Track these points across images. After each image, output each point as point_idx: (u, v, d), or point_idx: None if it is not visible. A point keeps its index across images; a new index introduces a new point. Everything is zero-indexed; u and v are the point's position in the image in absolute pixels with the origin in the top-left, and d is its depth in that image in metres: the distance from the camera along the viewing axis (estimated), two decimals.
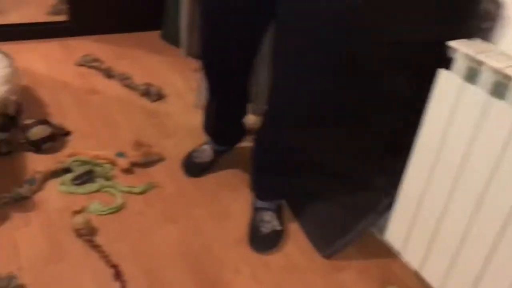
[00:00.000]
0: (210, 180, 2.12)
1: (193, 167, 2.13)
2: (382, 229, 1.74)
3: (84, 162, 2.01)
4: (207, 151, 2.14)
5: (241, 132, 2.09)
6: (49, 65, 2.83)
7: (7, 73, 2.05)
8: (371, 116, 1.67)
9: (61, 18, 3.14)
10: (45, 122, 2.16)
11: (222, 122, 2.04)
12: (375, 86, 1.62)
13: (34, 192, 1.88)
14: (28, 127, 2.10)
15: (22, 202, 1.84)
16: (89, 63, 2.85)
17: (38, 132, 2.08)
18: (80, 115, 2.43)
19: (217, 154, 2.15)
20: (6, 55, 2.21)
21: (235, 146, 2.16)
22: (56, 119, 2.32)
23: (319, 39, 1.39)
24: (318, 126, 1.70)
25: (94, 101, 2.56)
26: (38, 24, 3.09)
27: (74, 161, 2.00)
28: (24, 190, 1.85)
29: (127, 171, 2.07)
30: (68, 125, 2.31)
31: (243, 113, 2.01)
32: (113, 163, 2.08)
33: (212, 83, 1.88)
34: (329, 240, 1.74)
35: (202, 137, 2.20)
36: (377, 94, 1.62)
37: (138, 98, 2.63)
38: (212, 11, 1.61)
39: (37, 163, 2.04)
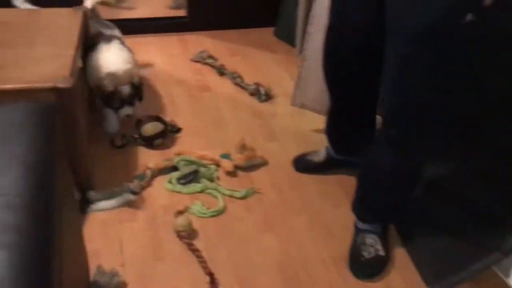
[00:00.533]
0: (313, 189, 2.04)
1: (303, 162, 2.12)
2: (506, 270, 1.52)
3: (191, 162, 2.04)
4: (321, 154, 2.10)
5: (359, 144, 1.95)
6: (166, 59, 2.94)
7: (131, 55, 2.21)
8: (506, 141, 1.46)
9: (181, 13, 3.24)
10: (157, 118, 2.23)
11: (340, 130, 1.97)
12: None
13: (143, 188, 1.95)
14: (141, 123, 2.18)
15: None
16: (204, 59, 2.90)
17: (150, 128, 2.15)
18: (191, 112, 2.48)
19: (331, 161, 2.07)
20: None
21: (352, 158, 2.03)
22: (168, 114, 2.39)
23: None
24: (443, 150, 1.54)
25: (205, 99, 2.60)
26: (159, 19, 3.21)
27: (181, 160, 2.04)
28: (134, 185, 1.92)
29: (231, 173, 2.06)
30: (179, 121, 2.36)
31: (364, 125, 1.88)
32: (217, 165, 2.09)
33: (332, 91, 1.84)
34: (442, 274, 1.57)
35: (307, 142, 2.12)
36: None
37: (247, 97, 2.62)
38: (333, 26, 1.65)
39: (147, 158, 2.12)
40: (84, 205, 1.83)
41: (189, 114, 2.45)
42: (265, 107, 2.56)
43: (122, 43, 2.25)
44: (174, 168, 2.04)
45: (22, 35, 1.91)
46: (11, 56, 1.77)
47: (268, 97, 2.61)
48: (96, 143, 2.13)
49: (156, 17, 3.20)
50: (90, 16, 2.26)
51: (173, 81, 2.72)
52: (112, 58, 2.12)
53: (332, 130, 1.99)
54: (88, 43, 2.16)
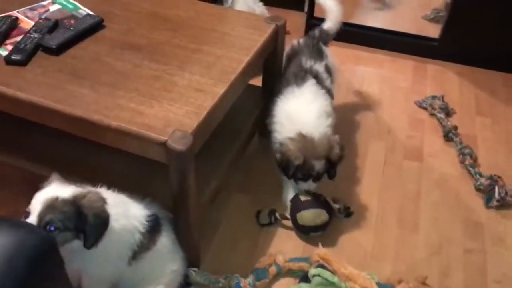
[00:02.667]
0: None
1: None
2: None
3: (328, 283, 1.38)
4: None
5: None
6: (384, 90, 2.22)
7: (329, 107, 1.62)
8: None
9: (432, 32, 2.40)
10: (323, 203, 1.55)
11: None
12: None
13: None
14: (299, 203, 1.55)
15: None
16: (433, 109, 2.08)
17: (309, 218, 1.52)
18: (379, 187, 1.76)
19: None
20: (330, 69, 1.74)
21: None
22: (345, 181, 1.74)
23: None
24: None
25: (409, 172, 1.83)
26: (399, 34, 2.44)
27: (317, 275, 1.39)
28: (245, 283, 1.39)
29: None
30: (356, 197, 1.70)
31: None
32: None
33: None
34: None
35: None
36: None
37: (471, 192, 1.76)
38: None
39: (283, 244, 1.54)
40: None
41: (374, 191, 1.75)
42: (494, 216, 1.68)
43: (321, 82, 1.63)
44: (306, 277, 1.42)
45: (185, 39, 1.48)
46: (158, 72, 1.36)
47: (502, 202, 1.70)
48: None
49: (394, 30, 2.44)
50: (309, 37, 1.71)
51: (375, 128, 2.02)
52: (303, 113, 1.54)
53: None
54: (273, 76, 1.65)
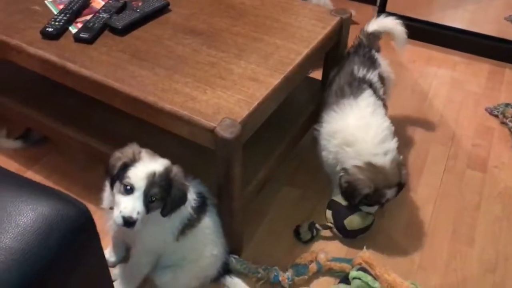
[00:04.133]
0: None
1: None
2: None
3: (368, 286, 1.33)
4: None
5: None
6: (453, 94, 2.10)
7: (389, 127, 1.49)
8: None
9: None
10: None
11: None
12: None
13: (294, 284, 1.39)
14: (342, 209, 1.50)
15: None
16: (505, 117, 1.95)
17: (358, 221, 1.47)
18: (437, 193, 1.68)
19: None
20: (385, 78, 1.63)
21: None
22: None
23: None
24: None
25: (472, 182, 1.72)
26: (476, 35, 2.29)
27: (357, 277, 1.35)
28: (283, 276, 1.38)
29: None
30: (409, 203, 1.63)
31: None
32: None
33: None
34: None
35: None
36: None
37: None
38: None
39: (323, 243, 1.52)
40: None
41: (430, 198, 1.67)
42: None
43: (376, 92, 1.53)
44: (346, 278, 1.39)
45: (246, 27, 1.47)
46: (215, 59, 1.37)
47: None
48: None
49: (472, 31, 2.29)
50: (359, 45, 1.63)
51: (439, 133, 1.91)
52: (366, 136, 1.42)
53: None
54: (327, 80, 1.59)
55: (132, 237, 1.27)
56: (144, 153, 1.17)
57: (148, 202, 1.13)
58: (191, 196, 1.24)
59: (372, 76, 1.54)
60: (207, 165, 1.27)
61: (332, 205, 1.53)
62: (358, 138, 1.42)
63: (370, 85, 1.52)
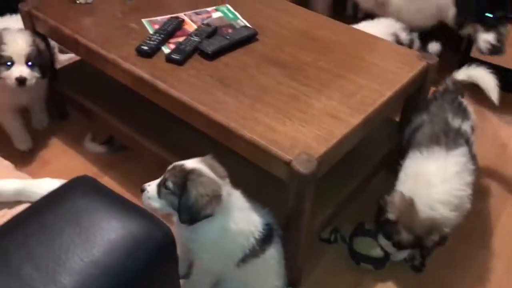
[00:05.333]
0: None
1: None
2: None
3: None
4: None
5: None
6: None
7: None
8: None
9: None
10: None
11: None
12: None
13: None
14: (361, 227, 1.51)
15: None
16: None
17: (363, 244, 1.48)
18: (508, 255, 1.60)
19: None
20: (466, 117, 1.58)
21: None
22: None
23: None
24: None
25: None
26: None
27: None
28: None
29: None
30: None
31: None
32: None
33: None
34: None
35: None
36: None
37: None
38: None
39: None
40: None
41: (504, 253, 1.59)
42: None
43: (471, 149, 1.49)
44: None
45: (331, 63, 1.49)
46: (297, 92, 1.39)
47: None
48: None
49: None
50: (445, 91, 1.60)
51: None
52: (436, 186, 1.39)
53: None
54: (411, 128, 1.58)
55: (194, 255, 1.31)
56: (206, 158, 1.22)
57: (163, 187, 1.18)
58: (256, 228, 1.26)
59: (466, 127, 1.52)
60: (277, 194, 1.29)
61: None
62: (430, 185, 1.40)
63: (467, 141, 1.48)
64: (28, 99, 1.85)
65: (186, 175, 1.16)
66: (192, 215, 1.15)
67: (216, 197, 1.16)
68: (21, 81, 1.64)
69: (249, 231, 1.25)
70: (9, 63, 1.63)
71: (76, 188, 0.80)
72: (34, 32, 1.74)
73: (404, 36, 2.02)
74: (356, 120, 1.29)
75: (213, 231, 1.21)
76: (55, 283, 0.65)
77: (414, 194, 1.40)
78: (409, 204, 1.39)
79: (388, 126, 1.71)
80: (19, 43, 1.64)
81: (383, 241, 1.46)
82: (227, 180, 1.23)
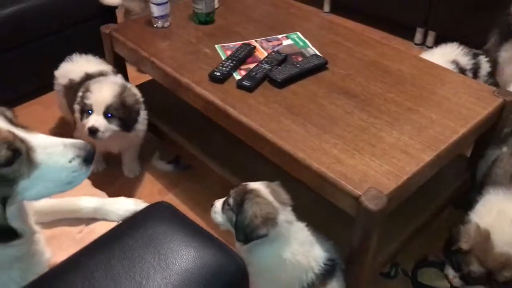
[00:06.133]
0: None
1: None
2: None
3: None
4: None
5: None
6: None
7: None
8: None
9: None
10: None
11: None
12: None
13: None
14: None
15: None
16: None
17: (428, 275, 1.44)
18: None
19: None
20: None
21: None
22: None
23: None
24: None
25: None
26: None
27: None
28: None
29: None
30: None
31: None
32: None
33: None
34: None
35: None
36: None
37: None
38: None
39: None
40: None
41: None
42: None
43: None
44: None
45: (402, 96, 1.47)
46: (366, 124, 1.38)
47: None
48: None
49: None
50: None
51: None
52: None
53: None
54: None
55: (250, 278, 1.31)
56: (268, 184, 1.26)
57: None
58: (317, 262, 1.25)
59: None
60: (342, 226, 1.27)
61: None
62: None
63: None
64: (115, 148, 1.85)
65: (245, 194, 1.20)
66: (246, 233, 1.18)
67: (270, 220, 1.18)
68: (92, 131, 1.59)
69: (309, 266, 1.24)
70: (90, 111, 1.61)
71: (155, 215, 0.83)
72: (113, 53, 1.84)
73: (465, 61, 1.93)
74: (428, 156, 1.27)
75: (268, 257, 1.23)
76: None
77: (492, 229, 1.35)
78: (486, 236, 1.35)
79: (458, 161, 1.65)
80: (102, 93, 1.61)
81: (450, 272, 1.42)
82: (289, 208, 1.24)
